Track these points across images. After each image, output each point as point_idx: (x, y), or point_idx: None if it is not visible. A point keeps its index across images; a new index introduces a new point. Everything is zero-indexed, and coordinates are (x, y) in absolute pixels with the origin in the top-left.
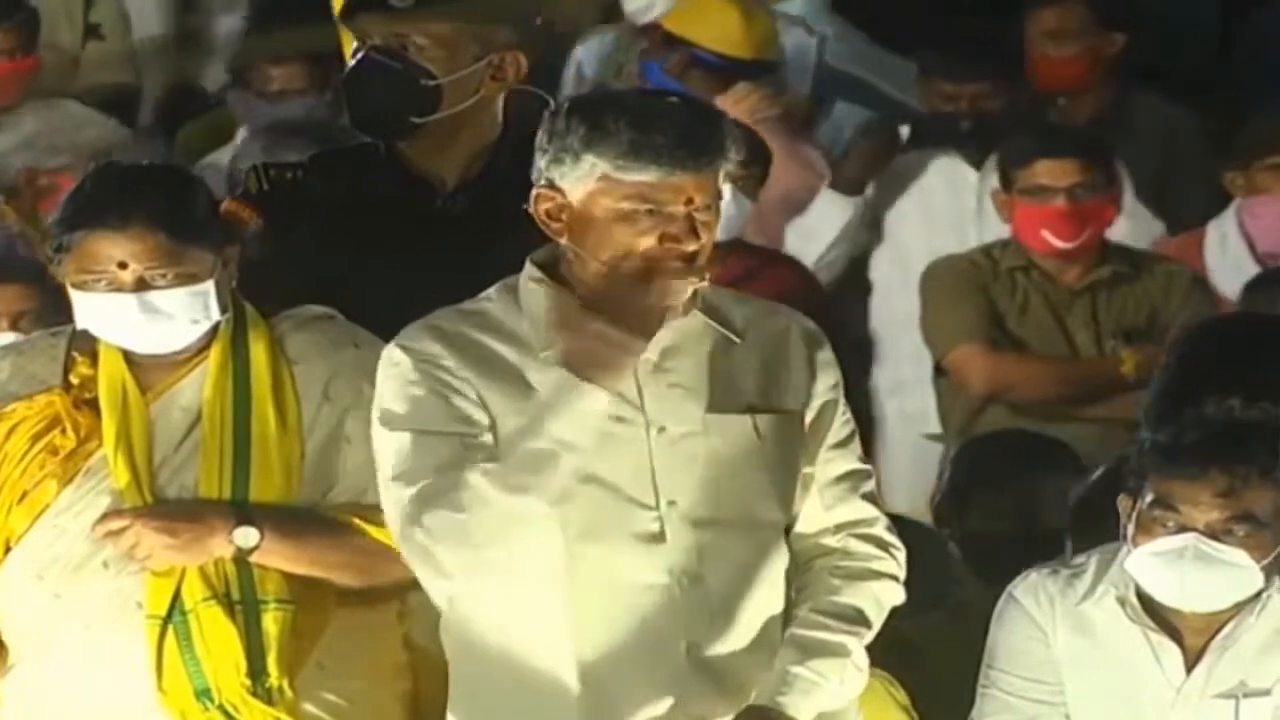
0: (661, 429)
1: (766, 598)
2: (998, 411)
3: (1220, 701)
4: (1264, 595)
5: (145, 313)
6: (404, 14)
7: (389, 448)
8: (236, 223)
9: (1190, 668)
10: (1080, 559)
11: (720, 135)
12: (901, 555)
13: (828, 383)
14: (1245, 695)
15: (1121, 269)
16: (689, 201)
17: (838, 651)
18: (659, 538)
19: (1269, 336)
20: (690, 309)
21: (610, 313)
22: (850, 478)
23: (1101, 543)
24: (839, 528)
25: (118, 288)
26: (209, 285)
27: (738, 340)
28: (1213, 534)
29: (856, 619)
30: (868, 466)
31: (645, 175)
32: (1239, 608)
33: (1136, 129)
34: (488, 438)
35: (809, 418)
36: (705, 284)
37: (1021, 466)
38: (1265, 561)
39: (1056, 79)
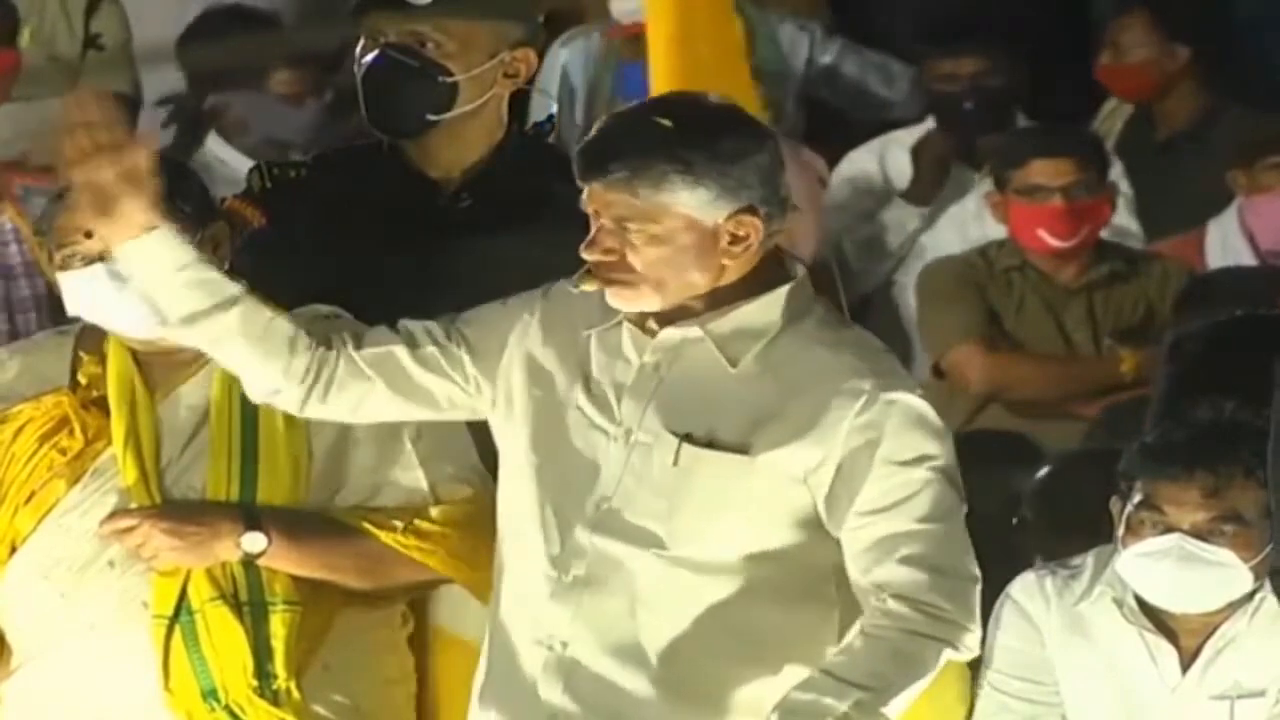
0: (629, 431)
1: (650, 624)
2: (996, 411)
3: (1216, 702)
4: (1257, 596)
5: (114, 280)
6: (420, 11)
7: None
8: (240, 221)
9: (1186, 668)
10: (1078, 560)
11: (619, 148)
12: (959, 614)
13: (859, 445)
14: (1240, 696)
15: (1117, 267)
16: (596, 212)
17: (809, 714)
18: (567, 531)
19: (1263, 338)
20: (705, 319)
21: None
22: (888, 542)
23: (1057, 535)
24: (879, 588)
25: (88, 261)
26: None
27: (731, 368)
28: (1199, 534)
29: (854, 682)
30: (917, 527)
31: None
32: (1233, 608)
33: (1220, 142)
34: (451, 354)
35: (826, 478)
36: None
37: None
38: (1253, 561)
39: (1119, 88)
